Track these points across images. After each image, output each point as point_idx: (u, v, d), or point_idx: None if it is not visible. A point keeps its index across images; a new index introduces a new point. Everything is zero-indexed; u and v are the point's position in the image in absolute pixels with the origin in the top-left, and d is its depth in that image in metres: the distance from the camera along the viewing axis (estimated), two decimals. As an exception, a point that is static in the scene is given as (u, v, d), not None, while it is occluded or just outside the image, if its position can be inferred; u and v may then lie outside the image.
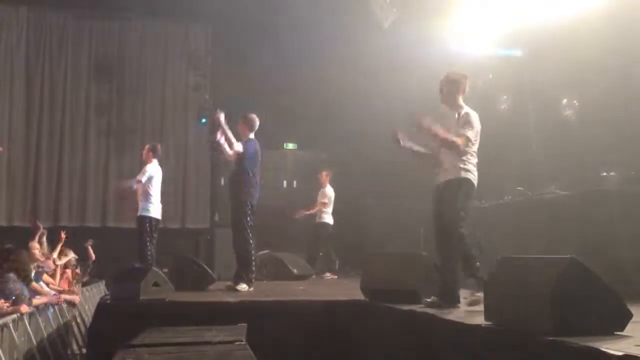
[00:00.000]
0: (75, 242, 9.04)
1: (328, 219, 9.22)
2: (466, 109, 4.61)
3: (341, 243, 10.76)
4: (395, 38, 8.92)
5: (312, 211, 9.31)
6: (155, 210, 7.19)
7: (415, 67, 9.11)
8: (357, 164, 11.37)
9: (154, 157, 7.37)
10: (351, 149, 11.35)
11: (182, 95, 12.05)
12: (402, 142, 4.67)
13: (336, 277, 9.08)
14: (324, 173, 9.48)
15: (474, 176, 4.50)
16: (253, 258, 6.51)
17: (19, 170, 11.26)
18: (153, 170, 7.25)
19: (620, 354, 2.38)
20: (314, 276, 8.93)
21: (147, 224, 7.11)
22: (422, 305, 4.37)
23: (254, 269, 6.91)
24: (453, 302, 4.33)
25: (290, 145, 12.65)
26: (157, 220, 7.24)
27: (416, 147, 4.76)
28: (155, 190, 7.23)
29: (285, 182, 12.04)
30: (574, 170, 8.45)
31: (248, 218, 6.41)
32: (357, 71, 10.19)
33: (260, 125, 6.71)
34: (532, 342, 2.85)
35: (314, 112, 11.15)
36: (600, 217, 4.95)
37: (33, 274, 6.79)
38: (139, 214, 7.16)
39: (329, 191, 9.30)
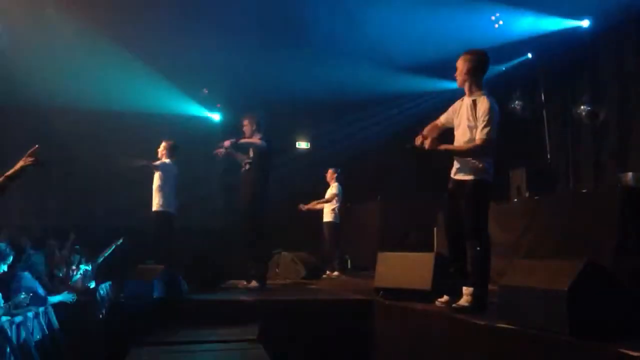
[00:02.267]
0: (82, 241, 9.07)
1: (335, 217, 9.18)
2: (486, 95, 4.15)
3: (352, 241, 10.75)
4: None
5: (319, 205, 9.25)
6: (171, 206, 7.17)
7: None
8: (368, 161, 11.35)
9: (170, 156, 7.33)
10: (364, 146, 11.33)
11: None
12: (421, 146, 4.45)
13: (344, 275, 9.05)
14: (331, 170, 9.43)
15: (489, 176, 4.20)
16: (266, 257, 6.51)
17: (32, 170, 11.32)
18: (168, 167, 7.23)
19: (637, 355, 2.35)
20: (325, 275, 8.92)
21: (163, 220, 7.10)
22: (436, 304, 4.34)
23: (267, 267, 6.92)
24: (484, 307, 4.00)
25: (303, 144, 12.64)
26: (173, 216, 7.23)
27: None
28: (171, 186, 7.20)
29: (297, 181, 12.02)
30: (589, 169, 8.42)
31: (261, 216, 6.42)
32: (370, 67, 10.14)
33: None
34: (548, 343, 2.83)
35: (327, 110, 11.13)
36: (617, 215, 4.88)
37: (48, 273, 6.85)
38: (154, 209, 7.14)
39: (336, 189, 9.25)
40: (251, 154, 6.50)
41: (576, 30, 8.73)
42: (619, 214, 4.87)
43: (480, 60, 4.24)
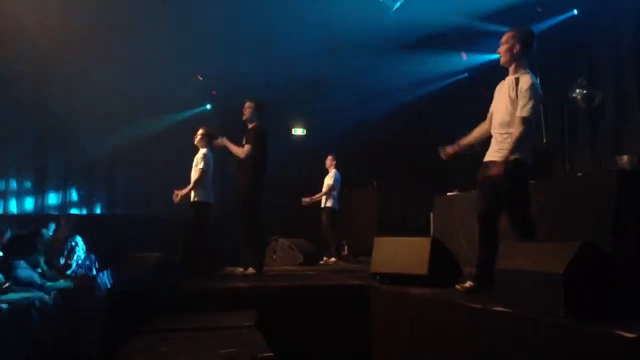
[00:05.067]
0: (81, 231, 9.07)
1: (333, 203, 9.19)
2: (528, 73, 4.13)
3: (350, 228, 10.76)
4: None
5: (317, 197, 9.29)
6: (209, 196, 6.95)
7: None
8: (366, 148, 11.34)
9: (207, 144, 7.06)
10: (361, 133, 11.30)
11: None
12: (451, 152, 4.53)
13: (341, 261, 9.09)
14: (330, 157, 9.47)
15: (529, 156, 4.14)
16: (263, 243, 6.48)
17: (28, 160, 11.35)
18: (208, 157, 6.98)
19: (632, 336, 2.36)
20: (322, 261, 8.95)
21: (202, 210, 6.90)
22: (432, 289, 4.35)
23: (264, 254, 6.91)
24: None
25: (299, 131, 12.61)
26: (211, 205, 7.02)
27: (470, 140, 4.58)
28: (210, 176, 6.98)
29: (294, 168, 12.01)
30: (585, 152, 8.42)
31: (256, 203, 6.41)
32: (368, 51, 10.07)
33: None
34: (544, 325, 2.83)
35: (323, 96, 11.09)
36: (614, 198, 4.88)
37: (43, 261, 6.85)
38: (196, 199, 6.87)
39: (335, 175, 9.28)
40: (245, 138, 6.50)
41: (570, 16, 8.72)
42: (616, 196, 4.87)
43: (526, 40, 4.19)
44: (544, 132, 8.54)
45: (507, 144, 4.11)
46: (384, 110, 11.42)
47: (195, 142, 7.07)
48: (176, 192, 6.83)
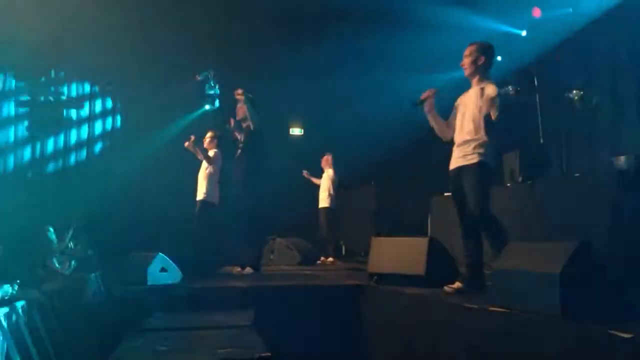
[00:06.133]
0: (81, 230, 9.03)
1: (331, 203, 9.19)
2: (492, 83, 4.28)
3: (347, 227, 10.76)
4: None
5: (316, 181, 9.36)
6: (215, 197, 7.03)
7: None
8: (364, 147, 11.32)
9: (217, 146, 7.15)
10: (358, 132, 11.28)
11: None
12: (427, 108, 4.48)
13: (338, 261, 9.09)
14: (325, 156, 9.47)
15: (491, 160, 4.28)
16: (260, 243, 6.49)
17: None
18: (219, 157, 7.08)
19: (628, 336, 2.37)
20: (319, 261, 8.95)
21: (206, 210, 6.96)
22: (430, 289, 4.36)
23: (261, 254, 6.91)
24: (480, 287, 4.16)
25: (297, 130, 12.58)
26: (216, 206, 7.09)
27: (436, 119, 4.60)
28: (218, 177, 7.06)
29: (291, 168, 11.98)
30: (582, 153, 8.44)
31: (256, 203, 6.41)
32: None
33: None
34: (540, 325, 2.84)
35: (321, 95, 11.07)
36: (611, 199, 4.89)
37: (43, 261, 6.84)
38: (200, 198, 6.96)
39: (332, 174, 9.28)
40: (242, 138, 6.51)
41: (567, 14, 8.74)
42: (613, 197, 4.89)
43: (488, 52, 4.37)
44: (540, 133, 8.56)
45: (471, 149, 4.25)
46: (383, 111, 11.41)
47: (205, 145, 7.09)
48: (192, 140, 6.97)
